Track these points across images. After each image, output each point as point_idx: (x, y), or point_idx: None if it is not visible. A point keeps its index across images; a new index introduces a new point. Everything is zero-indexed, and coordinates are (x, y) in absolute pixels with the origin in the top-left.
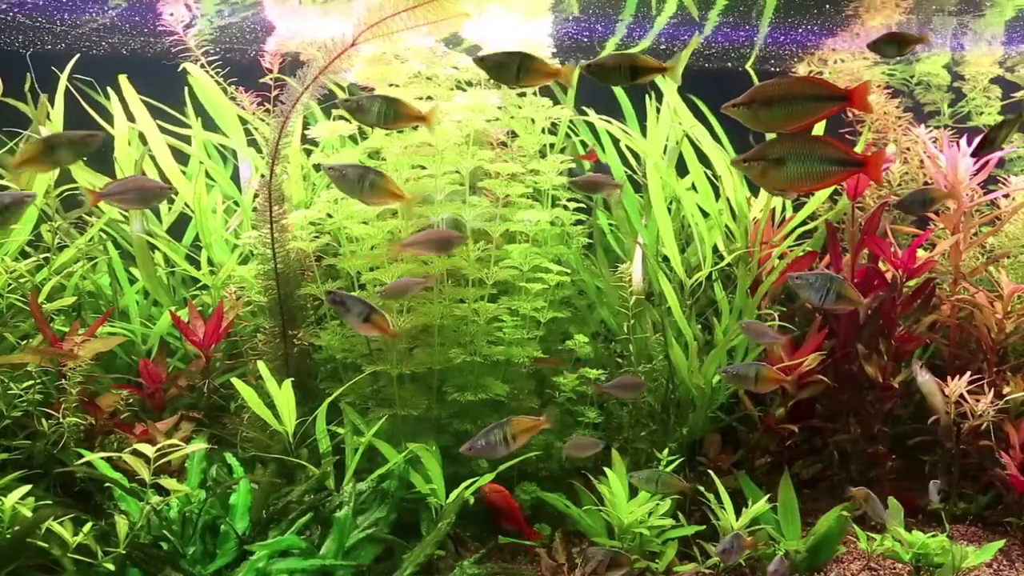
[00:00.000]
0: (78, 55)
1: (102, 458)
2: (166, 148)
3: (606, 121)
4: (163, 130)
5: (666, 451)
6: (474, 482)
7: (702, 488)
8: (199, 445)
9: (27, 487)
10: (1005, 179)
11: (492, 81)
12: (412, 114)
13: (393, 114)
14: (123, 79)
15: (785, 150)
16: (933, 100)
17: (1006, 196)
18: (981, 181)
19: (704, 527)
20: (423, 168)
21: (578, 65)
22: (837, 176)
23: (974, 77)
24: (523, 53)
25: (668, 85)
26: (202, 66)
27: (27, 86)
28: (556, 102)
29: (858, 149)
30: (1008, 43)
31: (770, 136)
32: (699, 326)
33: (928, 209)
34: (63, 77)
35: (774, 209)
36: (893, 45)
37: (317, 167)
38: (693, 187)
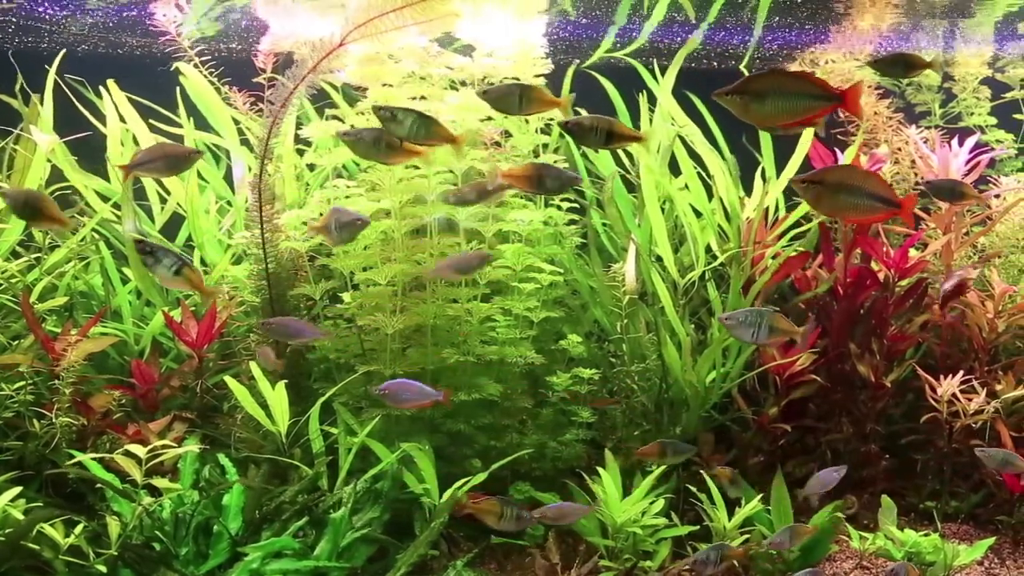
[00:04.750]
0: (65, 52)
1: (94, 459)
2: None
3: None
4: (156, 130)
5: None
6: (467, 482)
7: (694, 488)
8: (192, 446)
9: (18, 488)
10: (996, 180)
11: (485, 82)
12: (444, 135)
13: (424, 131)
14: (112, 84)
15: (841, 178)
16: (924, 101)
17: (997, 196)
18: (972, 182)
19: (697, 527)
20: (416, 168)
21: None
22: (880, 212)
23: (963, 78)
24: (523, 84)
25: (662, 85)
26: (195, 66)
27: (18, 86)
28: None
29: (851, 151)
30: (997, 44)
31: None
32: (692, 325)
33: (956, 200)
34: (51, 73)
35: (767, 209)
36: (899, 66)
37: (311, 167)
38: (686, 187)
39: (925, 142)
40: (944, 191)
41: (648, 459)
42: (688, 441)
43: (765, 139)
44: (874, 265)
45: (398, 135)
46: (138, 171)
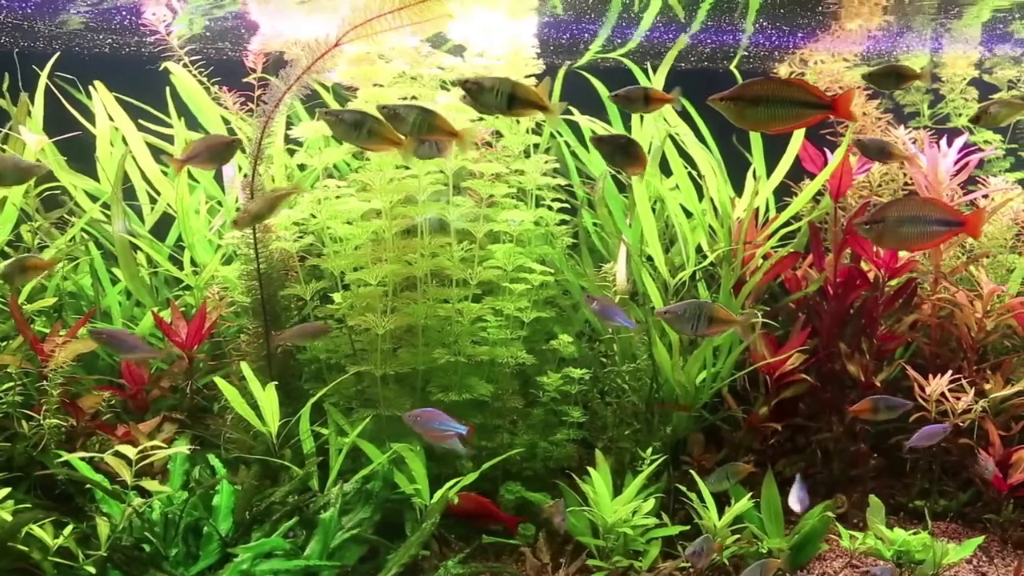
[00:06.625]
0: (59, 54)
1: (83, 459)
2: (145, 147)
3: (590, 120)
4: (145, 130)
5: (650, 450)
6: (458, 482)
7: (684, 488)
8: (182, 447)
9: (7, 490)
10: (984, 180)
11: None
12: (446, 129)
13: (427, 126)
14: (99, 84)
15: (900, 212)
16: (913, 102)
17: (985, 197)
18: (961, 182)
19: (688, 527)
20: (407, 168)
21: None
22: (945, 234)
23: (950, 79)
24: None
25: (652, 84)
26: (184, 66)
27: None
28: None
29: (840, 151)
30: (985, 45)
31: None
32: None
33: (885, 160)
34: (43, 75)
35: (757, 209)
36: (892, 77)
37: (301, 167)
38: (677, 187)
39: (914, 143)
40: (873, 151)
41: (862, 415)
42: (678, 441)
43: (755, 139)
44: (864, 265)
45: (403, 132)
46: (191, 164)
